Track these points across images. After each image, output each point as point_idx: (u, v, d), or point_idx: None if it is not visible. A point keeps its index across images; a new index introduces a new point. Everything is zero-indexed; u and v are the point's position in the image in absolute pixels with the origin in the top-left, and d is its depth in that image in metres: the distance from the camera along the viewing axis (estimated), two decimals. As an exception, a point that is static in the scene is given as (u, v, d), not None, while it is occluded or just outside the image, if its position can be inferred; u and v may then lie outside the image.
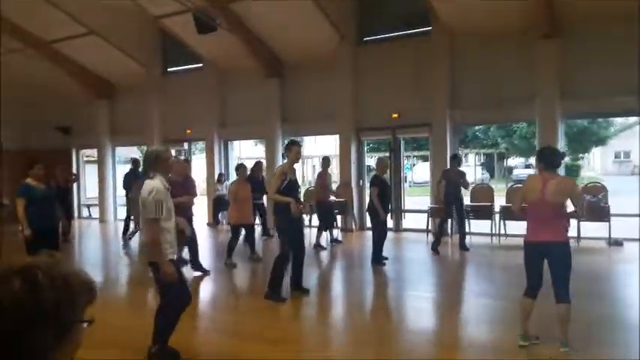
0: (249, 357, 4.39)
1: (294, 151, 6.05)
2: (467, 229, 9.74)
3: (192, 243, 7.43)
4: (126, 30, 13.49)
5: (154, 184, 3.88)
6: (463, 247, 9.21)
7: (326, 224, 10.01)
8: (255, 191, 9.13)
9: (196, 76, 14.20)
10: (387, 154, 12.23)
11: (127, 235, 11.45)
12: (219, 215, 13.29)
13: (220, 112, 13.99)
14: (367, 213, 8.40)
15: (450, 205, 9.26)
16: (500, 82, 10.33)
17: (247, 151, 28.73)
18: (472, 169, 31.54)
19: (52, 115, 15.96)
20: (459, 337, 5.08)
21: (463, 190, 9.55)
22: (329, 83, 12.14)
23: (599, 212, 9.21)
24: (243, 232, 8.53)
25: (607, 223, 9.20)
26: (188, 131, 14.27)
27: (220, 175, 13.29)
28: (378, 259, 8.05)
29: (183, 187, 7.13)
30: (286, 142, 7.51)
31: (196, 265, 7.64)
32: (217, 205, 12.83)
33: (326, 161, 10.33)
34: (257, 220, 10.35)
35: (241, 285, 7.67)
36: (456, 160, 9.44)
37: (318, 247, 9.65)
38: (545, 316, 4.48)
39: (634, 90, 8.95)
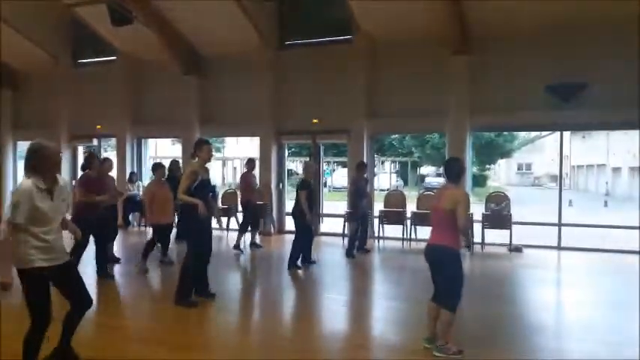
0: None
1: (205, 149, 5.79)
2: (376, 234, 10.03)
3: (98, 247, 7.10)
4: (34, 17, 12.62)
5: (23, 184, 3.47)
6: (363, 248, 9.50)
7: (249, 226, 9.93)
8: (174, 190, 8.86)
9: (109, 69, 13.54)
10: (308, 159, 12.32)
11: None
12: (130, 216, 12.71)
13: (134, 109, 13.43)
14: (292, 217, 8.34)
15: (359, 211, 9.46)
16: (415, 94, 10.74)
17: (164, 151, 27.79)
18: (388, 176, 32.65)
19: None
20: (369, 337, 5.20)
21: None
22: (250, 85, 12.04)
23: (502, 220, 9.88)
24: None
25: (508, 231, 9.85)
26: (98, 127, 13.56)
27: (132, 174, 12.72)
28: (295, 262, 8.00)
29: (101, 186, 6.79)
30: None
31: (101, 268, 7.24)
32: (128, 206, 12.25)
33: (251, 163, 10.23)
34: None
35: (151, 289, 7.37)
36: (362, 167, 9.59)
37: (237, 248, 9.53)
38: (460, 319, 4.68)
39: (537, 105, 9.70)
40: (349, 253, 9.20)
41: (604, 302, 6.55)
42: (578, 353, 4.64)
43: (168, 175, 8.93)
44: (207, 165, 5.98)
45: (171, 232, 8.28)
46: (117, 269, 7.92)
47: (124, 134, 13.46)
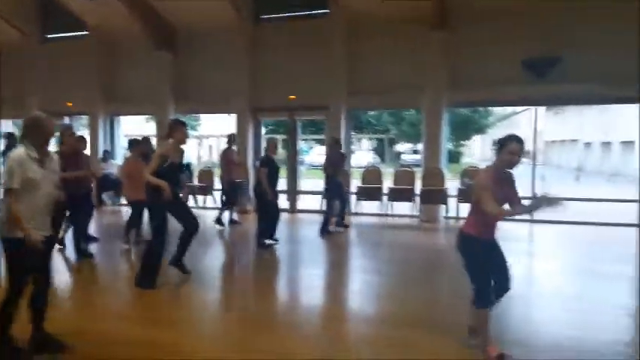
0: (139, 339, 4.23)
1: (179, 130, 5.63)
2: (353, 210, 10.10)
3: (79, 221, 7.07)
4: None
5: (16, 152, 3.60)
6: (341, 224, 9.56)
7: (230, 202, 9.97)
8: None
9: (80, 45, 13.17)
10: (285, 137, 12.27)
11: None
12: (104, 195, 12.53)
13: (106, 86, 13.14)
14: (254, 195, 8.25)
15: (334, 187, 9.42)
16: (392, 69, 10.74)
17: (137, 128, 27.27)
18: (364, 153, 32.76)
19: None
20: (345, 310, 5.31)
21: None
22: (225, 60, 11.87)
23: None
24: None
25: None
26: (69, 104, 13.23)
27: (105, 152, 12.51)
28: (263, 240, 7.90)
29: (75, 163, 6.69)
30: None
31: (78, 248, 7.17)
32: (102, 184, 12.05)
33: (232, 138, 10.15)
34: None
35: (128, 267, 7.33)
36: (337, 144, 9.55)
37: (218, 223, 9.64)
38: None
39: (512, 81, 9.79)
40: (323, 232, 9.08)
41: (572, 271, 6.77)
42: (545, 319, 4.81)
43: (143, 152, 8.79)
44: (183, 146, 5.82)
45: (143, 210, 8.19)
46: (94, 248, 7.85)
47: (96, 112, 13.17)
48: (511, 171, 3.82)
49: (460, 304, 4.50)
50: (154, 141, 11.96)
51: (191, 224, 5.85)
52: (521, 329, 4.54)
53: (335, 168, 9.28)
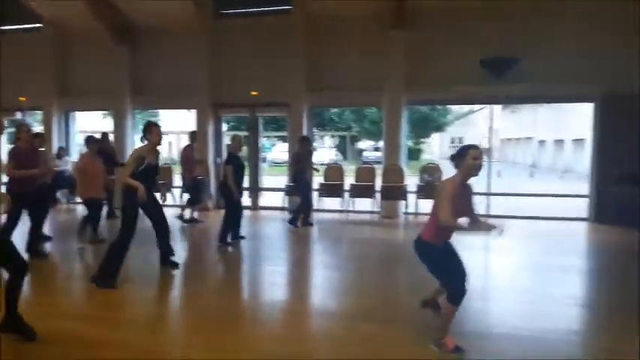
0: (96, 340, 4.14)
1: (155, 132, 5.71)
2: (315, 207, 10.17)
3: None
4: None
5: None
6: (307, 223, 9.59)
7: (193, 200, 9.88)
8: (108, 165, 8.60)
9: (35, 37, 12.70)
10: (247, 133, 12.20)
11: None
12: (59, 194, 12.14)
13: (62, 80, 12.72)
14: (220, 193, 8.25)
15: (303, 184, 9.57)
16: (353, 67, 10.83)
17: (93, 124, 26.50)
18: (327, 150, 32.90)
19: None
20: (307, 305, 5.34)
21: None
22: (185, 55, 11.69)
23: (433, 190, 10.23)
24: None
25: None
26: (21, 99, 12.73)
27: (60, 149, 12.12)
28: (225, 238, 7.85)
29: (32, 160, 6.49)
30: (145, 122, 6.54)
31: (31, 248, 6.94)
32: (57, 182, 11.64)
33: (193, 135, 10.07)
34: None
35: (83, 266, 7.14)
36: (306, 141, 9.69)
37: (181, 219, 9.67)
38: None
39: (470, 80, 10.03)
40: (293, 221, 9.35)
41: (526, 265, 7.02)
42: (501, 311, 4.98)
43: (98, 149, 8.55)
44: (158, 147, 5.92)
45: (101, 209, 8.00)
46: (49, 247, 7.61)
47: (51, 107, 12.74)
48: (469, 182, 3.93)
49: (418, 297, 4.60)
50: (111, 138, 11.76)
51: (162, 227, 6.11)
52: (479, 321, 4.68)
53: (303, 165, 9.36)
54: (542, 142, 32.21)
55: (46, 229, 8.08)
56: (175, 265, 6.38)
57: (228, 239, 7.91)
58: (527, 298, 5.40)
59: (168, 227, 6.34)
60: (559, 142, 29.03)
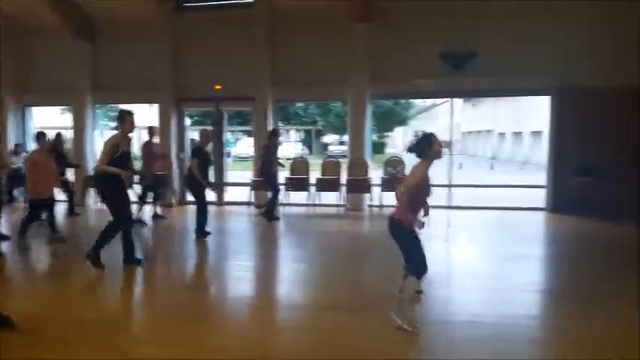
0: (62, 339, 4.06)
1: (128, 121, 5.94)
2: (282, 201, 10.19)
3: None
4: None
5: None
6: (274, 217, 9.56)
7: (151, 197, 9.65)
8: (59, 165, 8.37)
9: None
10: (212, 128, 12.06)
11: None
12: (15, 191, 11.74)
13: (18, 75, 12.29)
14: (187, 187, 8.19)
15: (272, 177, 9.56)
16: (318, 61, 10.85)
17: (51, 120, 25.69)
18: (293, 144, 32.91)
19: None
20: (274, 299, 5.38)
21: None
22: (147, 49, 11.48)
23: (397, 183, 10.42)
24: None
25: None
26: (-25, 94, 12.26)
27: (17, 145, 11.71)
28: (203, 232, 7.92)
29: None
30: (117, 111, 7.04)
31: None
32: (12, 179, 11.26)
33: (152, 130, 9.81)
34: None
35: (41, 266, 6.97)
36: (276, 134, 9.75)
37: (140, 222, 9.15)
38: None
39: (432, 74, 10.21)
40: (271, 217, 9.37)
41: (486, 253, 7.24)
42: (462, 299, 5.13)
43: (50, 149, 8.28)
44: (130, 135, 6.15)
45: (53, 207, 7.78)
46: (4, 246, 7.37)
47: (8, 102, 12.29)
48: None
49: (384, 286, 4.70)
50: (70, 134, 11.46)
51: (119, 222, 6.03)
52: (441, 309, 4.81)
53: (271, 159, 9.35)
54: (502, 135, 33.04)
55: (2, 227, 7.84)
56: (138, 261, 6.31)
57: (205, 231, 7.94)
58: (487, 285, 5.58)
59: (132, 224, 6.36)
60: (518, 135, 29.84)
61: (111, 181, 5.84)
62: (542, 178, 10.97)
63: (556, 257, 7.18)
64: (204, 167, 7.87)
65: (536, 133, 24.74)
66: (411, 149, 4.28)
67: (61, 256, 7.17)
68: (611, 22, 9.43)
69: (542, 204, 10.53)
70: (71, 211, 10.12)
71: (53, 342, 4.02)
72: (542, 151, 16.11)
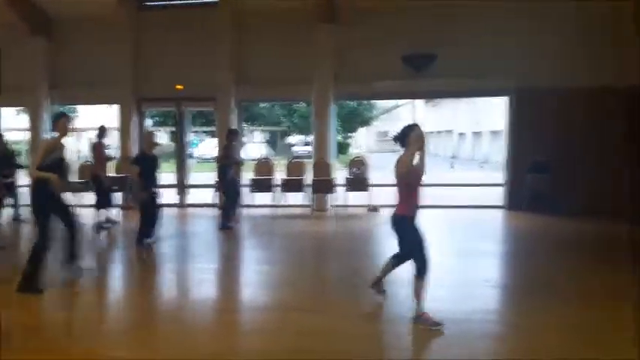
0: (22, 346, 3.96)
1: (60, 123, 5.45)
2: (245, 202, 10.06)
3: None
4: None
5: None
6: (226, 225, 8.86)
7: (102, 202, 9.00)
8: (4, 168, 8.05)
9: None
10: (173, 128, 11.88)
11: None
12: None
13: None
14: (130, 192, 7.62)
15: (229, 180, 9.08)
16: (282, 61, 10.84)
17: (7, 122, 24.75)
18: (257, 145, 32.73)
19: None
20: (238, 301, 5.39)
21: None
22: (106, 48, 11.22)
23: (361, 183, 10.64)
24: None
25: (367, 192, 10.59)
26: None
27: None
28: (141, 240, 7.31)
29: None
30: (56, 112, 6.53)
31: None
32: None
33: (101, 131, 9.21)
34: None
35: None
36: (234, 134, 9.24)
37: (110, 222, 8.91)
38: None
39: (394, 76, 10.38)
40: (224, 225, 8.80)
41: (447, 251, 7.41)
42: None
43: None
44: (65, 139, 5.56)
45: None
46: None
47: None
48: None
49: (348, 288, 4.77)
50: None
51: (45, 240, 5.38)
52: (405, 306, 4.90)
53: (229, 161, 9.00)
54: (462, 135, 33.78)
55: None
56: (79, 270, 5.87)
57: (149, 240, 7.42)
58: (448, 282, 5.72)
59: (76, 228, 5.78)
60: (477, 134, 30.57)
61: (40, 191, 5.26)
62: (500, 176, 11.31)
63: (512, 254, 7.44)
64: (147, 174, 7.19)
65: (496, 133, 25.39)
66: (395, 139, 4.43)
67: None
68: (570, 24, 9.78)
69: (500, 202, 10.85)
70: (17, 217, 9.60)
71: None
72: (501, 150, 16.60)
